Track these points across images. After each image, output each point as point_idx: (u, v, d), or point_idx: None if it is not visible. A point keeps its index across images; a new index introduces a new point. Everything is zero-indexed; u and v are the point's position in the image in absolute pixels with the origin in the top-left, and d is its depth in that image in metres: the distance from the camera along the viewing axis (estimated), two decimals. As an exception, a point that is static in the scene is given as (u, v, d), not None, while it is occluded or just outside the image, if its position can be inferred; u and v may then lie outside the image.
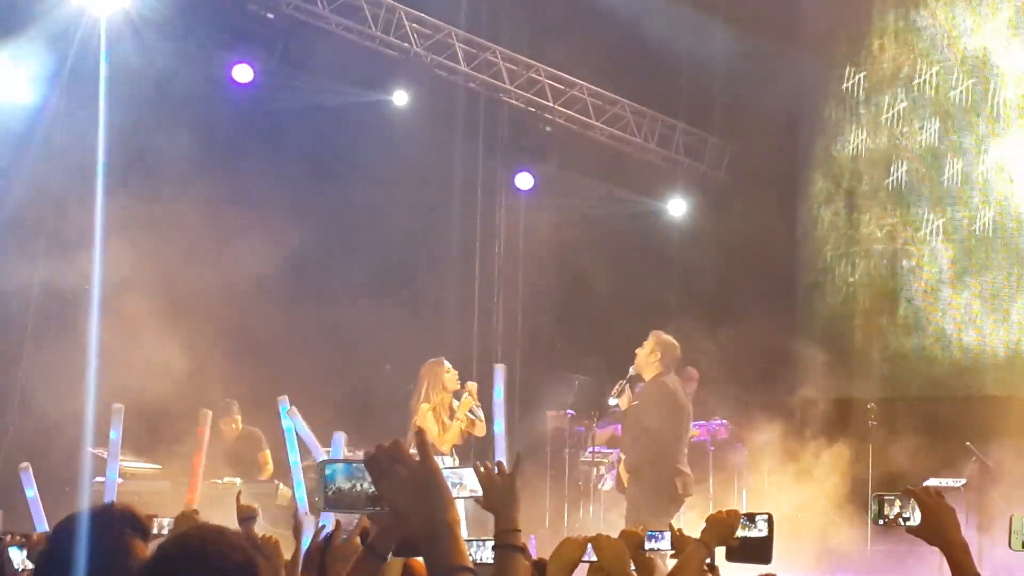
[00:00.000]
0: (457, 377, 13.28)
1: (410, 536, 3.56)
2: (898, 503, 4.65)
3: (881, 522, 4.67)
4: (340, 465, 3.50)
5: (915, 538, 4.66)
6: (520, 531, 3.97)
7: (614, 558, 5.38)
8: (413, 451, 3.16)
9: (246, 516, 7.71)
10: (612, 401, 13.33)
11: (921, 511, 4.59)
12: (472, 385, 13.12)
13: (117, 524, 4.50)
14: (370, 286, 16.73)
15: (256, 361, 14.73)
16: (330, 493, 3.48)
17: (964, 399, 17.66)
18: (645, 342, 12.60)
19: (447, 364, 13.28)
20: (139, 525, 4.55)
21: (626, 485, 12.71)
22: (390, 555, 4.14)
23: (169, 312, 14.42)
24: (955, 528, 4.57)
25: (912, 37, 18.75)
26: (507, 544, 3.87)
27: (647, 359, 12.52)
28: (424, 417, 12.89)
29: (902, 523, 4.64)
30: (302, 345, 15.63)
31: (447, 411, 13.00)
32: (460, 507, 3.69)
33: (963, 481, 15.44)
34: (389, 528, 4.02)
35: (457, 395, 13.07)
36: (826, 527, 16.96)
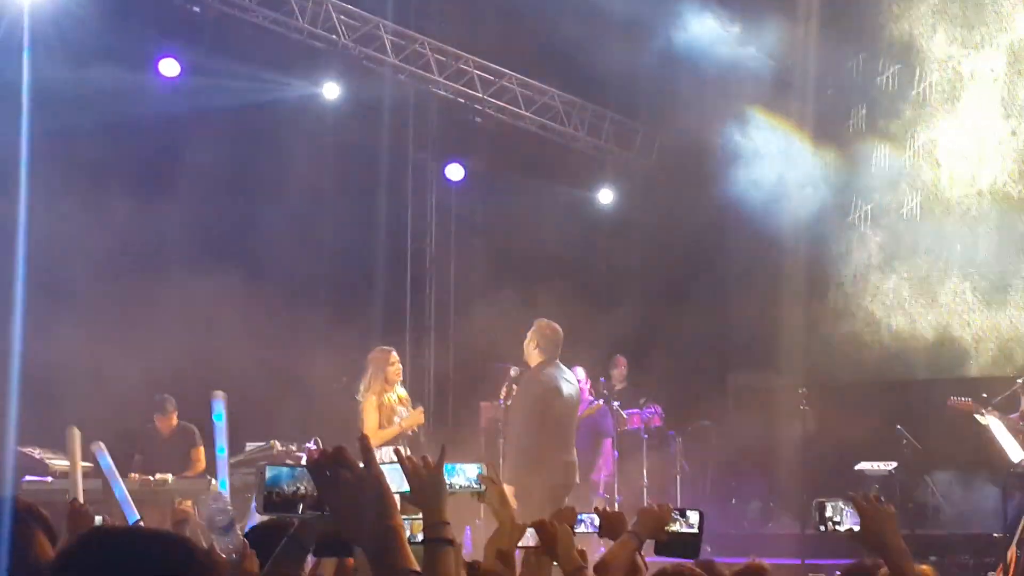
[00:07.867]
0: (400, 371, 13.32)
1: (343, 538, 3.53)
2: (839, 508, 4.69)
3: (823, 528, 4.71)
4: (283, 468, 3.49)
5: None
6: (449, 523, 3.95)
7: (561, 542, 5.36)
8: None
9: (178, 520, 7.79)
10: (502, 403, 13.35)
11: (860, 517, 4.62)
12: (419, 410, 13.30)
13: (22, 513, 4.47)
14: (300, 278, 16.70)
15: (190, 358, 14.65)
16: (271, 495, 3.46)
17: (894, 383, 17.79)
18: (529, 331, 12.55)
19: (394, 355, 13.30)
20: (43, 520, 4.54)
21: (515, 505, 12.48)
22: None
23: (102, 311, 14.34)
24: (894, 534, 4.60)
25: (838, 23, 18.82)
26: (437, 537, 3.85)
27: (527, 348, 12.49)
28: (369, 409, 12.96)
29: (842, 529, 4.69)
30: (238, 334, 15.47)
31: (389, 411, 13.01)
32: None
33: (893, 465, 15.57)
34: (312, 525, 3.97)
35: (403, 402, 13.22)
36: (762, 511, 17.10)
